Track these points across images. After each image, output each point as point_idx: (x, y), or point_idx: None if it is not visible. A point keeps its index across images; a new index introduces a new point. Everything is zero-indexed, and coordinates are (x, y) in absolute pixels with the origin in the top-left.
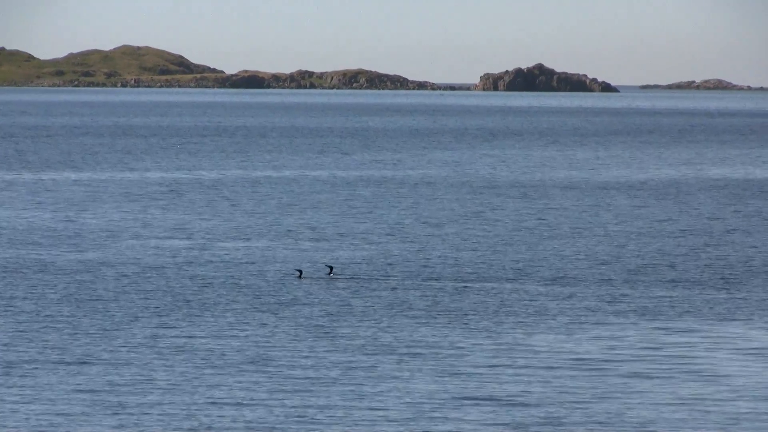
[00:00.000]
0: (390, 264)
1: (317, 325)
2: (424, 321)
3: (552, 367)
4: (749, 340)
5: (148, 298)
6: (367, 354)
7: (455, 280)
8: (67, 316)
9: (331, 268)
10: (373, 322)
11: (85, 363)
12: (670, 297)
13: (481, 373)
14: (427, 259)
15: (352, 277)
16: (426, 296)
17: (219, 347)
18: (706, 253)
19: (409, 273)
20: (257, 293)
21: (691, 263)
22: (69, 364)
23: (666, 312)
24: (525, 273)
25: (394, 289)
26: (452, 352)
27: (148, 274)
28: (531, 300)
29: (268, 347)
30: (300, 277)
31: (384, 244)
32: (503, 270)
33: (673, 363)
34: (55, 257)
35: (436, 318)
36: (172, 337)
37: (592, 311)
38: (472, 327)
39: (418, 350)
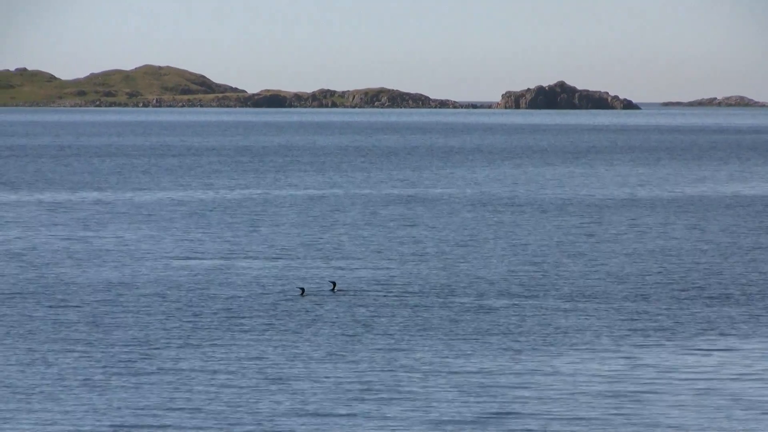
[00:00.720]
0: (409, 282)
1: (336, 344)
2: (444, 340)
3: (575, 387)
4: None
5: (167, 319)
6: (388, 373)
7: (475, 297)
8: (86, 338)
9: (334, 284)
10: (393, 341)
11: (105, 386)
12: (694, 314)
13: (503, 394)
14: (448, 276)
15: (368, 295)
16: (448, 314)
17: (238, 368)
18: (729, 270)
19: (428, 291)
20: (273, 312)
21: (713, 280)
22: (89, 386)
23: (689, 330)
24: (546, 291)
25: (414, 307)
26: (473, 371)
27: (167, 295)
28: (553, 318)
29: (287, 367)
30: (302, 294)
31: (403, 261)
32: (524, 288)
33: (698, 382)
34: (73, 278)
35: (456, 337)
36: (191, 358)
37: (615, 330)
38: (495, 346)
39: (439, 370)
